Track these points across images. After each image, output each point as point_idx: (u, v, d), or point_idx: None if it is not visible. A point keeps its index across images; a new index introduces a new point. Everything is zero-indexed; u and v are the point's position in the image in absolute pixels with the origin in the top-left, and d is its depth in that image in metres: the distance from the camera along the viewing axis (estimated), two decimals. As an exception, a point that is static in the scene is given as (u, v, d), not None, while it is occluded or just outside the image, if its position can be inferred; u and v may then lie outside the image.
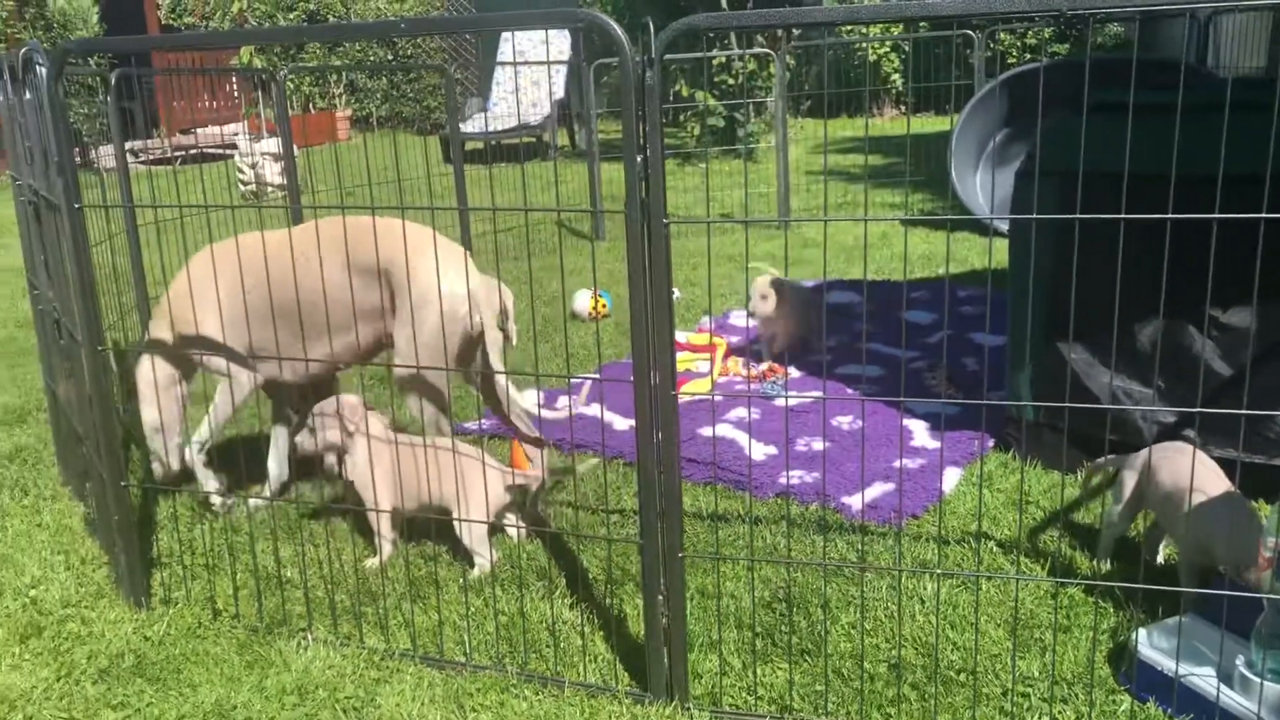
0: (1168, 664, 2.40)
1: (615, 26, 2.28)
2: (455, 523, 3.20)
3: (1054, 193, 3.45)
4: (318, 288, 3.39)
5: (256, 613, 3.03)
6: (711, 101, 11.37)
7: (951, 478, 3.67)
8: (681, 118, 12.20)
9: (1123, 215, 2.01)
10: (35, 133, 3.12)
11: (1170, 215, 1.92)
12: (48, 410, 4.38)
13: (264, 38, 2.52)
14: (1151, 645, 2.48)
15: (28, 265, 3.95)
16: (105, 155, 8.67)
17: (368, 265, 3.36)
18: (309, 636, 2.89)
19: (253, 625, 2.96)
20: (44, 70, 2.82)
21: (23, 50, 2.95)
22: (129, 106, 6.35)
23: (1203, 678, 2.36)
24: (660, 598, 2.52)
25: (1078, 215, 2.11)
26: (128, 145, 6.10)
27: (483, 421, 4.39)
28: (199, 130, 11.77)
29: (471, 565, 3.20)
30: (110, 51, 3.11)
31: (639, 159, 2.33)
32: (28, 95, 3.12)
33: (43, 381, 4.49)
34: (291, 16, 15.89)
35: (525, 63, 5.50)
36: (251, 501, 3.67)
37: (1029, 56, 14.90)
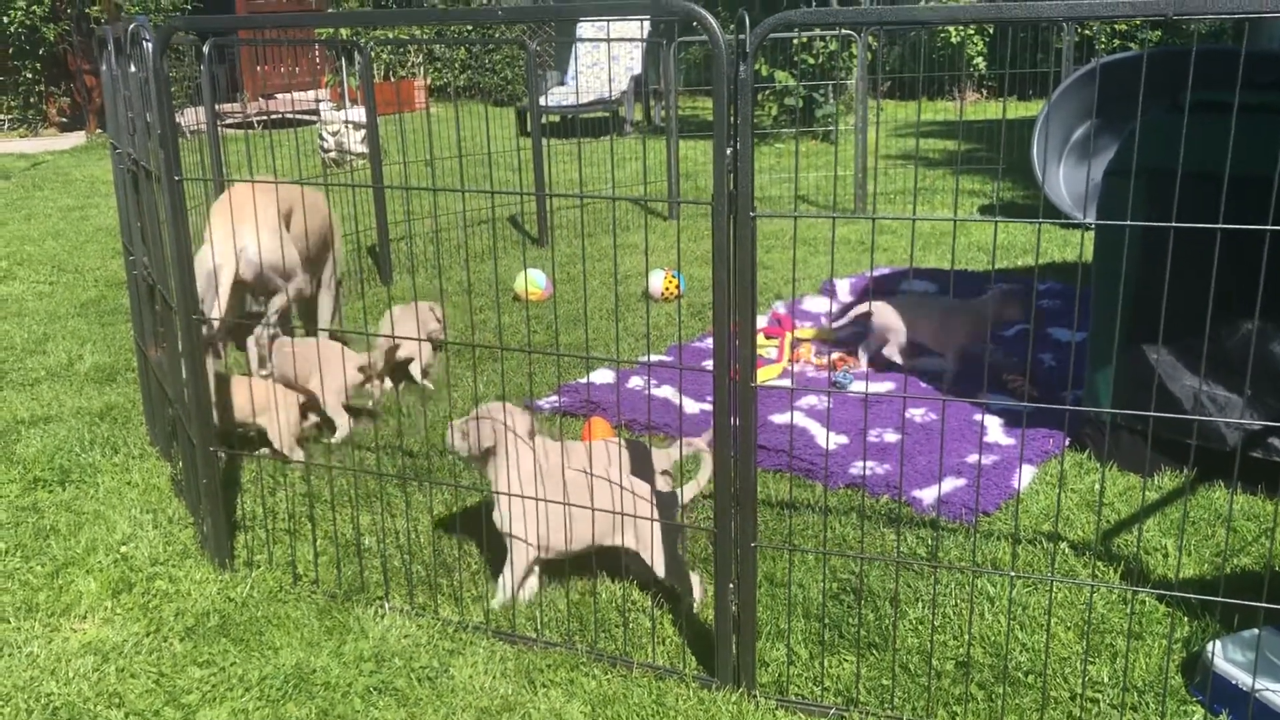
0: (1244, 678, 2.38)
1: (711, 20, 2.29)
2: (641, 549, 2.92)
3: (1142, 192, 3.39)
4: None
5: (335, 579, 3.12)
6: (791, 82, 11.28)
7: (1025, 475, 3.64)
8: (759, 97, 12.11)
9: (1219, 225, 1.98)
10: (139, 104, 3.21)
11: (1270, 227, 1.89)
12: (137, 370, 4.52)
13: (363, 20, 2.57)
14: (1226, 657, 2.46)
15: (124, 231, 4.08)
16: (190, 119, 8.88)
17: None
18: (386, 605, 2.97)
19: (331, 591, 3.05)
20: (150, 45, 2.90)
21: (130, 26, 3.04)
22: (215, 71, 6.53)
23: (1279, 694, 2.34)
24: (731, 585, 2.54)
25: (1173, 223, 2.08)
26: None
27: (559, 399, 4.45)
28: (281, 96, 11.97)
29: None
30: (213, 30, 3.18)
31: (728, 151, 2.34)
32: (132, 68, 3.21)
33: (133, 342, 4.63)
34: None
35: (605, 39, 5.51)
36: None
37: (1118, 43, 14.54)
